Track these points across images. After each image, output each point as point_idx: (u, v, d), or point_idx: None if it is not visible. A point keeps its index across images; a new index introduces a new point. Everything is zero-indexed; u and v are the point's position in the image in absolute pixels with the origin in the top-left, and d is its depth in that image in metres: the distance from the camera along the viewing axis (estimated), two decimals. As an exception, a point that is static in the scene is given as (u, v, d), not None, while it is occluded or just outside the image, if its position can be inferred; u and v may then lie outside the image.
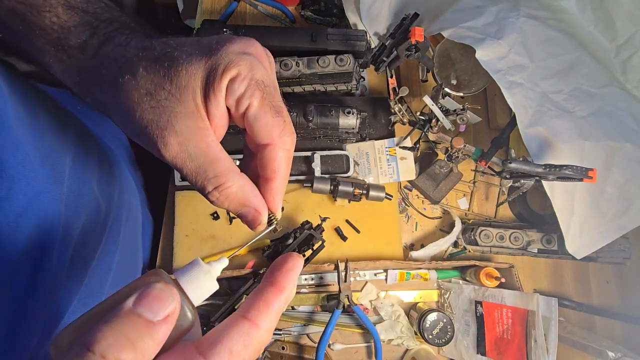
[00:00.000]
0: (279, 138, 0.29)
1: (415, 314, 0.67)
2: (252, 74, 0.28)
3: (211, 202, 0.29)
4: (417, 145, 0.71)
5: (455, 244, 0.73)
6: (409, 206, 0.75)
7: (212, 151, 0.28)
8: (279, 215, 0.32)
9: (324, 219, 0.65)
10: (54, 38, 0.30)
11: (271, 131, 0.28)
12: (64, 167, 0.38)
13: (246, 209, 0.29)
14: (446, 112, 0.63)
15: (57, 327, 0.39)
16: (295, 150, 0.63)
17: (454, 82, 0.66)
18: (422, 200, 0.76)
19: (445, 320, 0.65)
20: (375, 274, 0.70)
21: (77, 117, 0.46)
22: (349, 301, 0.63)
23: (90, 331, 0.19)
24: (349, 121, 0.68)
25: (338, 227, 0.70)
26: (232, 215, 0.69)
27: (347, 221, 0.70)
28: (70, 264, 0.39)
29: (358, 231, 0.70)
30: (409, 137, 0.72)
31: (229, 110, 0.29)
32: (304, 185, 0.68)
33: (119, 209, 0.50)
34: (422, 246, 0.72)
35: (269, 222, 0.31)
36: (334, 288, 0.69)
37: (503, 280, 0.67)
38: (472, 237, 0.70)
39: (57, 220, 0.36)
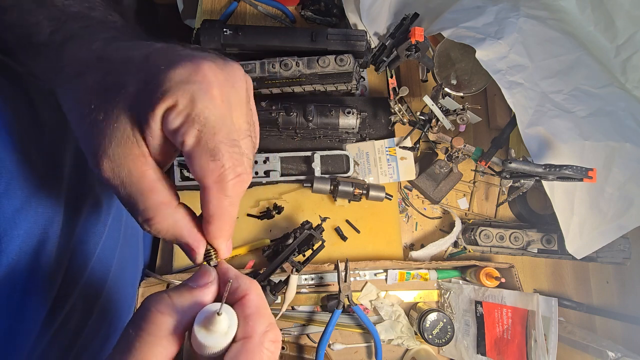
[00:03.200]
0: (216, 184, 0.26)
1: (415, 314, 0.67)
2: (191, 106, 0.25)
3: (145, 230, 0.27)
4: (417, 145, 0.71)
5: (455, 244, 0.73)
6: (409, 206, 0.75)
7: (146, 181, 0.26)
8: (223, 253, 0.30)
9: (324, 219, 0.65)
10: (24, 33, 0.29)
11: (205, 176, 0.26)
12: (64, 163, 0.38)
13: (182, 243, 0.28)
14: (446, 112, 0.63)
15: (54, 324, 0.39)
16: (295, 150, 0.62)
17: (454, 82, 0.66)
18: (422, 200, 0.76)
19: (445, 320, 0.65)
20: (375, 274, 0.70)
21: None
22: (349, 301, 0.63)
23: None
24: (349, 121, 0.68)
25: (338, 227, 0.70)
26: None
27: (347, 221, 0.70)
28: (70, 260, 0.39)
29: (358, 231, 0.70)
30: (409, 137, 0.72)
31: None
32: (304, 185, 0.68)
33: (120, 207, 0.50)
34: (422, 246, 0.72)
35: (206, 258, 0.29)
36: (334, 288, 0.69)
37: (503, 280, 0.67)
38: (472, 237, 0.70)
39: (57, 216, 0.36)
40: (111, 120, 0.25)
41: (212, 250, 0.29)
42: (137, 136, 0.26)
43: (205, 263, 0.29)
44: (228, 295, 0.27)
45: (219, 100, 0.26)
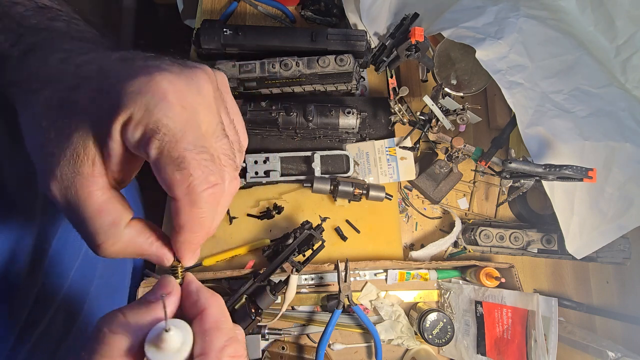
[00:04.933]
0: (186, 195, 0.24)
1: (415, 314, 0.67)
2: (148, 117, 0.23)
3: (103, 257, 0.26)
4: (417, 145, 0.71)
5: (455, 244, 0.73)
6: (409, 206, 0.75)
7: (92, 202, 0.24)
8: (186, 262, 0.29)
9: (324, 219, 0.65)
10: None
11: (172, 188, 0.24)
12: None
13: (146, 257, 0.27)
14: (446, 112, 0.63)
15: (34, 331, 0.38)
16: (295, 150, 0.61)
17: (454, 82, 0.66)
18: (422, 200, 0.76)
19: (445, 320, 0.65)
20: (375, 274, 0.70)
21: None
22: (349, 301, 0.63)
23: None
24: (349, 121, 0.68)
25: (338, 227, 0.70)
26: (231, 215, 0.69)
27: (347, 221, 0.70)
28: (47, 269, 0.39)
29: (358, 231, 0.70)
30: (409, 137, 0.72)
31: None
32: (304, 185, 0.68)
33: None
34: (422, 246, 0.72)
35: (172, 272, 0.28)
36: (334, 288, 0.69)
37: (503, 280, 0.67)
38: (472, 237, 0.70)
39: (30, 229, 0.35)
40: (62, 138, 0.24)
41: (177, 264, 0.28)
42: (90, 153, 0.24)
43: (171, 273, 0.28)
44: (187, 310, 0.26)
45: (178, 107, 0.24)
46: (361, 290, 0.69)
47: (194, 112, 0.25)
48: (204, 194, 0.25)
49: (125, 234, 0.26)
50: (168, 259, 0.28)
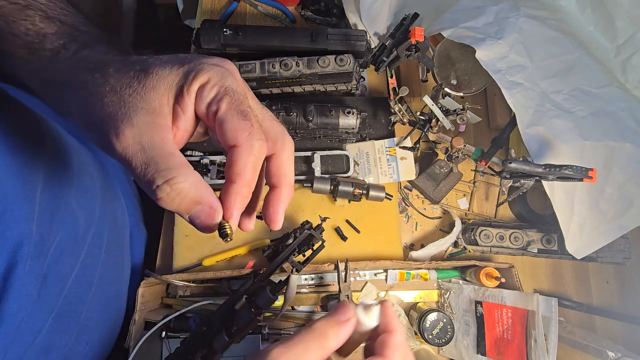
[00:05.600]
0: (246, 141, 0.29)
1: (415, 314, 0.67)
2: (222, 81, 0.29)
3: (159, 199, 0.27)
4: (417, 145, 0.71)
5: (455, 244, 0.73)
6: (409, 206, 0.75)
7: (166, 146, 0.28)
8: (234, 224, 0.30)
9: (324, 219, 0.65)
10: (26, 41, 0.30)
11: (237, 134, 0.28)
12: (37, 182, 0.37)
13: (199, 207, 0.28)
14: (446, 112, 0.63)
15: (29, 345, 0.38)
16: (295, 150, 0.62)
17: (454, 82, 0.66)
18: (422, 200, 0.76)
19: (445, 320, 0.65)
20: (375, 274, 0.70)
21: (53, 126, 0.45)
22: (349, 301, 0.63)
23: None
24: (349, 121, 0.68)
25: (338, 227, 0.70)
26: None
27: (347, 221, 0.70)
28: (44, 281, 0.38)
29: (358, 231, 0.70)
30: (409, 137, 0.72)
31: (200, 120, 0.31)
32: (304, 185, 0.68)
33: (101, 221, 0.50)
34: (422, 246, 0.72)
35: (221, 231, 0.29)
36: (334, 288, 0.69)
37: (503, 280, 0.67)
38: (472, 237, 0.70)
39: (27, 237, 0.35)
40: (139, 95, 0.28)
41: (225, 222, 0.30)
42: (165, 109, 0.29)
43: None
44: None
45: (241, 83, 0.31)
46: (361, 290, 0.69)
47: (246, 91, 0.32)
48: (257, 142, 0.29)
49: (194, 175, 0.28)
50: (219, 211, 0.29)
